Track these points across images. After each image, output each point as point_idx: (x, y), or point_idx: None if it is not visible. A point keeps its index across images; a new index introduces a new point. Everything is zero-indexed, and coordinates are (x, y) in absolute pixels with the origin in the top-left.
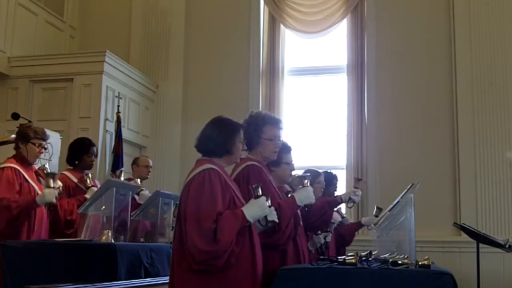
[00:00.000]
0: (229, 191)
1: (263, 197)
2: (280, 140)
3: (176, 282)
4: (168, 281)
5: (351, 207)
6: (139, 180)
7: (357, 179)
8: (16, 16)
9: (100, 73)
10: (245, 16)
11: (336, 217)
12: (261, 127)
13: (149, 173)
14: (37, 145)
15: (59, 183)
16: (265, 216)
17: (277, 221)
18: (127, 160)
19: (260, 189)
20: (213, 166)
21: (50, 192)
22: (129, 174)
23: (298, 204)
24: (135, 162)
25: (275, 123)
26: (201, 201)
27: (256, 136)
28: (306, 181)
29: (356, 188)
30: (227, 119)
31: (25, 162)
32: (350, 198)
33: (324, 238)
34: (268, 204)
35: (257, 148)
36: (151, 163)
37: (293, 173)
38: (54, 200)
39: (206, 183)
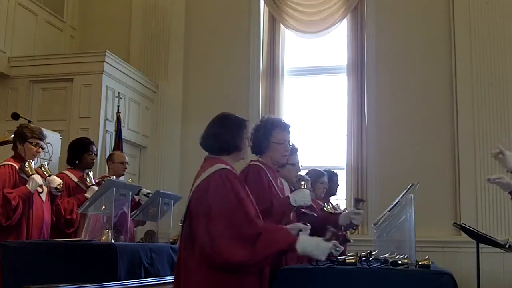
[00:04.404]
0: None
1: (327, 248)
2: (289, 144)
3: (183, 282)
4: (168, 281)
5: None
6: (114, 177)
7: (357, 200)
8: (16, 16)
9: (100, 73)
10: (245, 16)
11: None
12: (270, 131)
13: (125, 170)
14: (34, 144)
15: (59, 180)
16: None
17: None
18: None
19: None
20: (227, 166)
21: (36, 176)
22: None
23: (292, 204)
24: (110, 158)
25: (284, 127)
26: (233, 205)
27: (266, 140)
28: (303, 182)
29: (357, 209)
30: (232, 115)
31: (23, 161)
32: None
33: None
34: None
35: (267, 152)
36: (127, 159)
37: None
38: (41, 182)
39: (233, 185)
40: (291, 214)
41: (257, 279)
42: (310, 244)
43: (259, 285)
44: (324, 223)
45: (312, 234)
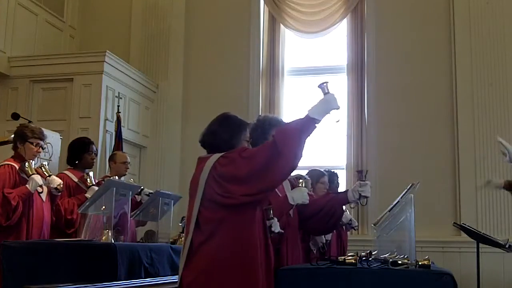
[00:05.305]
0: None
1: (333, 94)
2: None
3: (189, 279)
4: (168, 281)
5: (364, 205)
6: (116, 177)
7: (359, 172)
8: (16, 16)
9: (100, 73)
10: (245, 16)
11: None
12: (267, 130)
13: (127, 170)
14: (34, 144)
15: (59, 180)
16: (270, 226)
17: (282, 231)
18: None
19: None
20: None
21: (36, 176)
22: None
23: (290, 203)
24: (112, 158)
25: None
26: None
27: (263, 139)
28: (301, 181)
29: (363, 181)
30: (233, 116)
31: (23, 161)
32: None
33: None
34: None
35: None
36: (128, 159)
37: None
38: (41, 182)
39: (236, 155)
40: (291, 211)
41: (266, 278)
42: (319, 105)
43: (268, 284)
44: (333, 202)
45: (322, 216)
